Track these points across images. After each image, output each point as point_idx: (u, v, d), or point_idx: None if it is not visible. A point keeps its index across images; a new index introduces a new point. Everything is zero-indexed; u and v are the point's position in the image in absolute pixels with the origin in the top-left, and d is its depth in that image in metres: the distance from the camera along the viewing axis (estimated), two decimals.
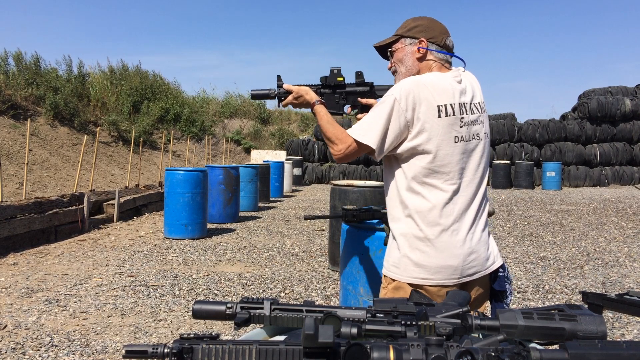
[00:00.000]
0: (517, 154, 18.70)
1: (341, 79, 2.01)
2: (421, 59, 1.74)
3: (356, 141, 1.66)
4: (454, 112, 1.64)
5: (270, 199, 12.83)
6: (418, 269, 1.64)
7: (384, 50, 1.84)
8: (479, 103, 1.74)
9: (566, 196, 14.84)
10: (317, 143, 19.53)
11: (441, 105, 1.62)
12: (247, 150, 21.74)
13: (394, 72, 1.81)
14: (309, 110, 1.92)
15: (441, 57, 1.74)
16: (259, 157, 19.26)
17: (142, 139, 15.86)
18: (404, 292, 1.63)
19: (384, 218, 2.53)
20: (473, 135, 1.69)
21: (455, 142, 1.64)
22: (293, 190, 15.86)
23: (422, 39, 1.73)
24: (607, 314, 3.95)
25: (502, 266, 1.76)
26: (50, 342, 3.37)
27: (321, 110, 1.83)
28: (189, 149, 18.09)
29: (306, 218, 2.78)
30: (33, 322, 3.76)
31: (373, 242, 2.68)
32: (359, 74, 2.05)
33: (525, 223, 9.19)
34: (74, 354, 3.21)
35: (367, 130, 1.64)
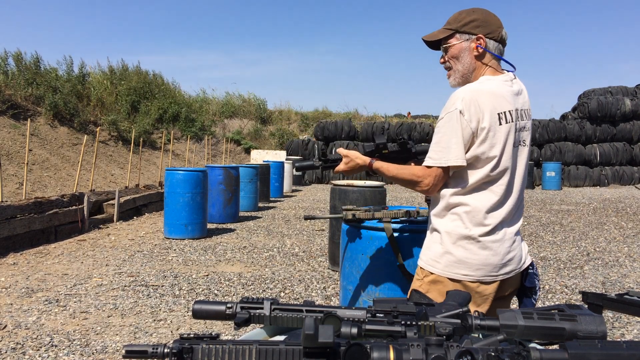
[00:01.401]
0: None
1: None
2: (479, 57, 1.71)
3: (440, 167, 1.65)
4: (512, 119, 1.66)
5: (270, 199, 12.83)
6: (460, 265, 1.67)
7: (435, 43, 1.79)
8: (527, 109, 1.76)
9: (566, 196, 14.84)
10: (317, 143, 19.50)
11: (501, 113, 1.63)
12: (247, 150, 21.72)
13: (448, 68, 1.78)
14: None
15: (496, 58, 1.73)
16: (259, 157, 19.24)
17: (142, 139, 15.86)
18: (443, 286, 1.67)
19: (383, 218, 2.53)
20: (521, 141, 1.72)
21: (513, 148, 1.67)
22: (293, 190, 15.85)
23: (480, 35, 1.69)
24: (607, 314, 3.95)
25: (532, 264, 1.82)
26: (50, 342, 3.37)
27: (382, 165, 1.81)
28: (189, 149, 18.09)
29: (306, 218, 2.78)
30: (33, 322, 3.76)
31: (373, 242, 2.68)
32: (402, 143, 1.95)
33: (525, 223, 9.18)
34: (74, 354, 3.21)
35: (446, 152, 1.63)
